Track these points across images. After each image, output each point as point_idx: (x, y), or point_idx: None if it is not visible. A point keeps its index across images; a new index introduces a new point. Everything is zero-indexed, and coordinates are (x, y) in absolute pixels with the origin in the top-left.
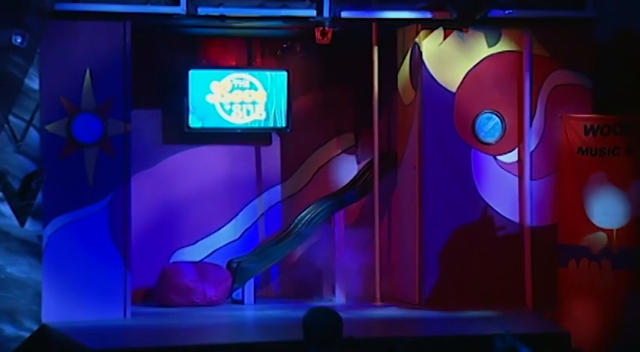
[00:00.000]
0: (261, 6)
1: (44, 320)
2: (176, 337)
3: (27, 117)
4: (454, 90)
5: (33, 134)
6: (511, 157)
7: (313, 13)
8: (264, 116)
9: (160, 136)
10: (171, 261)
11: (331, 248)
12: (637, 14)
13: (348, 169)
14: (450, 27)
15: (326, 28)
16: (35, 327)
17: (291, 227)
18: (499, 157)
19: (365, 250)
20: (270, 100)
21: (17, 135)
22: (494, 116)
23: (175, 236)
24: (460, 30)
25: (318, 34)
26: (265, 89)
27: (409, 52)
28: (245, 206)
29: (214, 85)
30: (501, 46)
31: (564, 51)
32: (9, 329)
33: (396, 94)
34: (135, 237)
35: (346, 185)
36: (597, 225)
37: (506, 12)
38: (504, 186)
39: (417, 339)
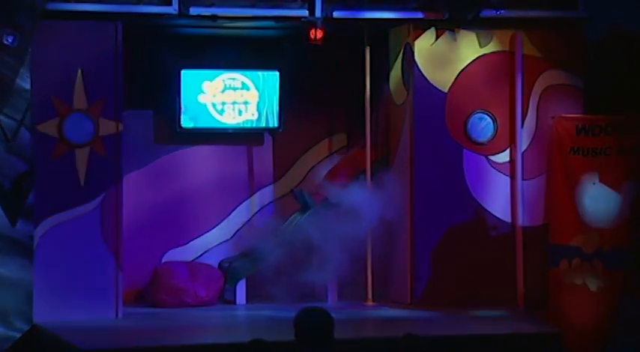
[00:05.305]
0: (253, 6)
1: (35, 320)
2: (168, 337)
3: (18, 117)
4: (446, 90)
5: (24, 134)
6: (503, 157)
7: (305, 13)
8: (256, 116)
9: (152, 136)
10: (163, 261)
11: (325, 247)
12: (628, 14)
13: None
14: (441, 27)
15: (318, 29)
16: (26, 327)
17: (284, 227)
18: (491, 157)
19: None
20: (262, 100)
21: (8, 134)
22: (486, 116)
23: (167, 236)
24: (452, 30)
25: (310, 35)
26: (257, 89)
27: (401, 52)
28: (237, 206)
29: (206, 85)
30: (493, 46)
31: (556, 51)
32: (0, 330)
33: (388, 94)
34: (126, 237)
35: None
36: (589, 225)
37: (498, 12)
38: (496, 186)
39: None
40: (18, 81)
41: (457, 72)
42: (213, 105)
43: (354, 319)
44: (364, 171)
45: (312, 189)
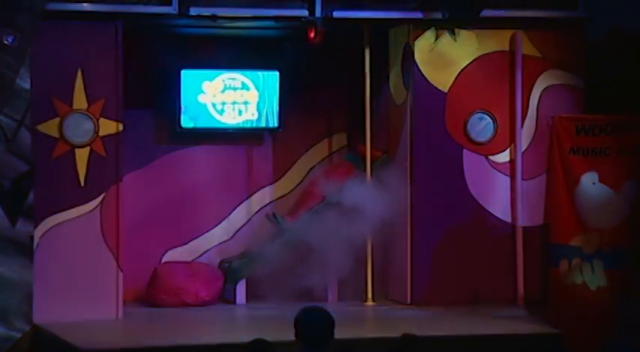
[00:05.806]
0: (253, 6)
1: (35, 320)
2: (168, 337)
3: (18, 117)
4: (446, 90)
5: (24, 134)
6: (503, 157)
7: (305, 13)
8: (256, 116)
9: (152, 136)
10: (163, 261)
11: (325, 247)
12: (628, 14)
13: None
14: (441, 27)
15: (318, 28)
16: (26, 328)
17: (283, 227)
18: (491, 157)
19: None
20: (262, 100)
21: (8, 134)
22: (486, 116)
23: (167, 236)
24: (452, 30)
25: (310, 34)
26: (257, 89)
27: (401, 52)
28: (237, 206)
29: (206, 85)
30: (493, 46)
31: (556, 51)
32: (0, 330)
33: (388, 94)
34: (126, 237)
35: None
36: (589, 225)
37: (498, 12)
38: (496, 186)
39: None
40: (18, 81)
41: (457, 72)
42: (213, 105)
43: (354, 319)
44: (364, 171)
45: (311, 189)
